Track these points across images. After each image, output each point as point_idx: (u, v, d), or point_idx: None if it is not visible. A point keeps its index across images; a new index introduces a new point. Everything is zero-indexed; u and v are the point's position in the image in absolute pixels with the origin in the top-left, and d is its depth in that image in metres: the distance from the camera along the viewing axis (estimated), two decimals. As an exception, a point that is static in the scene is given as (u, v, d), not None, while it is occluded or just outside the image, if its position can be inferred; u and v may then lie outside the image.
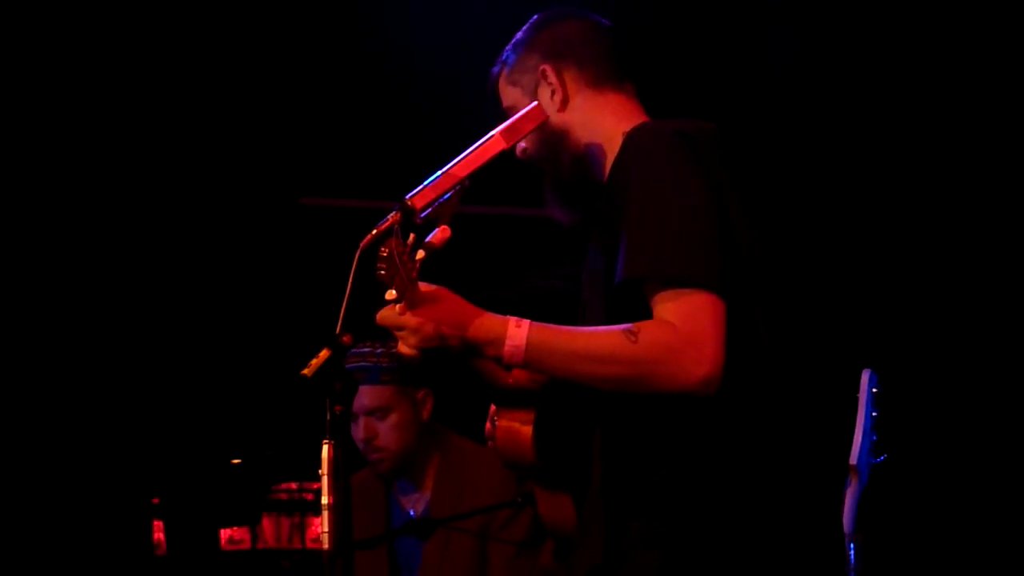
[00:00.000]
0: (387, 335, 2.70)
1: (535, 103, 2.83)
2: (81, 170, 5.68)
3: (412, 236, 2.59)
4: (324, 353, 2.60)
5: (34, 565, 5.57)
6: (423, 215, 2.63)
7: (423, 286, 2.62)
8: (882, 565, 4.73)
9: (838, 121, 5.56)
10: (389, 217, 2.62)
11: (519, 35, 2.97)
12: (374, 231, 2.62)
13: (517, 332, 2.62)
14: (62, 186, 5.67)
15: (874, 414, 4.05)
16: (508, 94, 2.95)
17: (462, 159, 2.71)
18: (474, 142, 2.74)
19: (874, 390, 4.06)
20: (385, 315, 2.64)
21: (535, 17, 2.99)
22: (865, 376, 4.06)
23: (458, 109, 4.75)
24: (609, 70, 2.91)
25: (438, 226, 2.65)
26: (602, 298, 2.75)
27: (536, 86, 2.90)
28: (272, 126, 5.72)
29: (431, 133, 5.26)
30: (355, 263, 2.60)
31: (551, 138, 2.89)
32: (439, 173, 2.68)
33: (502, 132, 2.75)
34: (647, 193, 2.64)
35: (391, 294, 2.59)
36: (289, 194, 5.89)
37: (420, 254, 2.58)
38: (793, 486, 2.68)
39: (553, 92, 2.89)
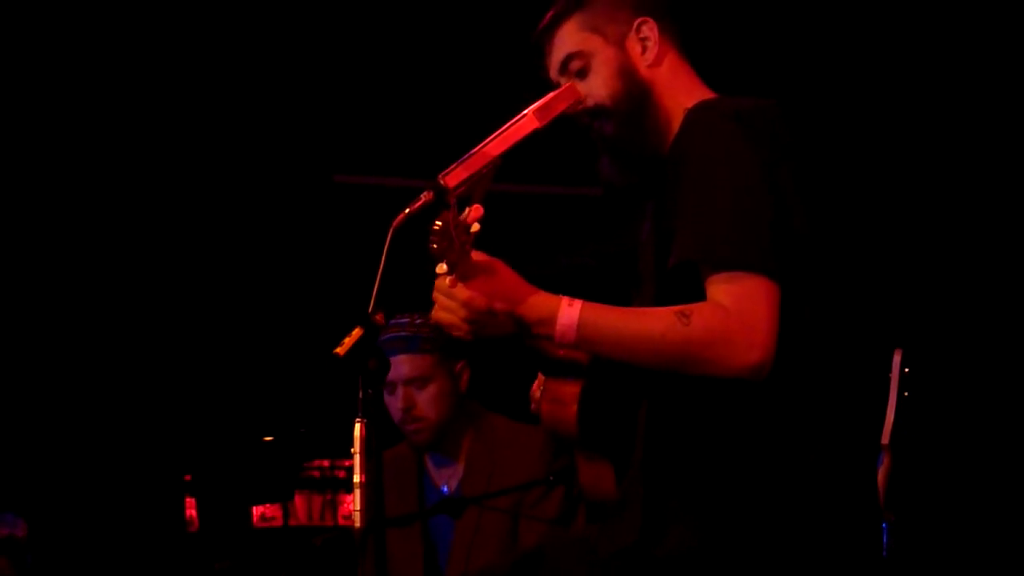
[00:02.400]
0: (426, 306, 2.70)
1: (570, 84, 2.81)
2: (118, 147, 5.70)
3: (467, 210, 2.57)
4: (357, 332, 2.60)
5: (68, 542, 5.60)
6: (456, 194, 2.63)
7: (477, 255, 2.61)
8: (913, 544, 4.72)
9: (873, 104, 5.54)
10: (422, 196, 2.62)
11: None
12: (407, 210, 2.61)
13: (569, 312, 2.61)
14: (101, 166, 5.70)
15: (905, 394, 4.04)
16: (575, 40, 2.85)
17: (495, 138, 2.70)
18: (507, 121, 2.74)
19: (906, 370, 4.05)
20: (438, 286, 2.63)
21: None
22: (897, 356, 4.05)
23: (491, 87, 4.74)
24: (684, 39, 2.86)
25: (470, 205, 2.64)
26: (654, 275, 2.74)
27: (623, 38, 2.83)
28: (306, 103, 5.72)
29: (464, 111, 5.26)
30: (388, 242, 2.59)
31: (635, 89, 2.82)
32: (472, 152, 2.68)
33: (535, 111, 2.75)
34: (703, 174, 2.62)
35: (441, 267, 2.58)
36: (323, 172, 5.90)
37: (476, 227, 2.56)
38: (836, 470, 2.66)
39: (645, 48, 2.82)
